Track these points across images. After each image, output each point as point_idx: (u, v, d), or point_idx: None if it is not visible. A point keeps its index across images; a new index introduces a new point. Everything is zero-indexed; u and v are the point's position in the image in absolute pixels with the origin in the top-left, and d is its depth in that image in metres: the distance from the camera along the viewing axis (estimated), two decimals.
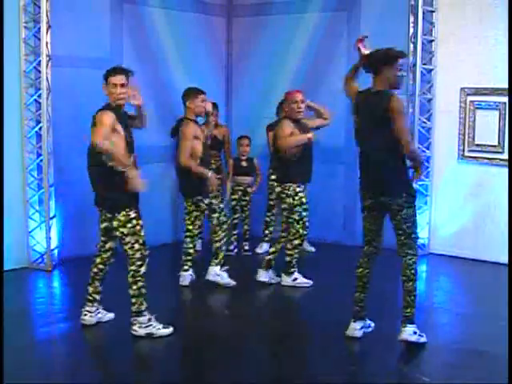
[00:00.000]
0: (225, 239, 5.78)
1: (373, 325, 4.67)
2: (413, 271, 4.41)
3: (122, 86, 4.51)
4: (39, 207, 6.27)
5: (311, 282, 5.82)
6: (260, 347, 4.67)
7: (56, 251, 6.37)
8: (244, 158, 6.90)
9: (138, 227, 4.53)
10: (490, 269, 6.48)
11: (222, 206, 5.76)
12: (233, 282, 5.79)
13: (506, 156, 6.48)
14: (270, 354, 4.55)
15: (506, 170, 6.40)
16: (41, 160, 6.19)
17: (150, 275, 5.46)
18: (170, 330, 4.64)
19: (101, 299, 4.82)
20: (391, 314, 4.92)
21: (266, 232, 7.05)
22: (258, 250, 7.02)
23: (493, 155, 6.59)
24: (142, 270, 4.56)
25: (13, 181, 6.06)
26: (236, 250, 6.98)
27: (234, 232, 7.01)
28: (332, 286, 5.90)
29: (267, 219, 7.03)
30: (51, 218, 6.26)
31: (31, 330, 4.84)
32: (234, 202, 6.99)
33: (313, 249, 7.00)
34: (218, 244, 5.76)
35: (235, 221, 7.01)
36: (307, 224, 5.72)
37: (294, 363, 4.25)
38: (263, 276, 5.90)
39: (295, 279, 5.83)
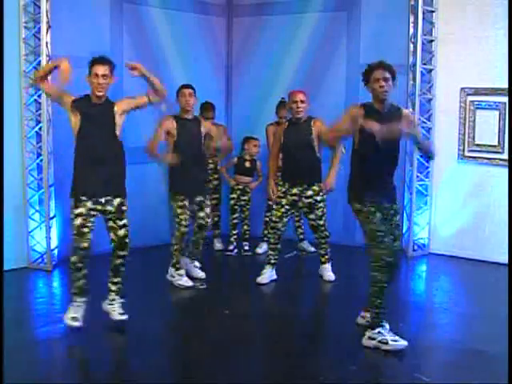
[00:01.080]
0: (177, 245, 5.76)
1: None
2: (371, 275, 4.40)
3: (104, 76, 4.50)
4: (39, 207, 6.28)
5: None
6: (260, 347, 4.67)
7: (56, 251, 6.38)
8: (249, 158, 6.90)
9: (72, 215, 4.57)
10: (490, 269, 6.48)
11: (183, 212, 5.71)
12: (187, 284, 5.75)
13: (505, 156, 6.48)
14: (270, 354, 4.54)
15: (506, 170, 6.40)
16: (41, 160, 6.19)
17: (148, 275, 5.50)
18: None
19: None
20: (391, 314, 4.91)
21: (266, 232, 7.05)
22: (259, 250, 7.02)
23: (493, 155, 6.59)
24: (72, 259, 4.60)
25: (13, 181, 6.07)
26: (236, 250, 6.98)
27: (234, 232, 7.01)
28: (332, 286, 5.90)
29: (267, 219, 7.03)
30: (51, 218, 6.26)
31: (31, 329, 4.83)
32: (232, 202, 6.98)
33: (313, 249, 6.99)
34: (171, 248, 5.82)
35: (234, 221, 7.00)
36: (272, 224, 5.90)
37: (294, 363, 4.24)
38: None
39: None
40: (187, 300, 5.65)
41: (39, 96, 6.10)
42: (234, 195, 6.96)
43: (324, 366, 4.27)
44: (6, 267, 5.86)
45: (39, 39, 6.02)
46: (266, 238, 7.03)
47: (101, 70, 4.49)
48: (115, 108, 4.63)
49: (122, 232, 4.70)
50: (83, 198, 4.56)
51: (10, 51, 5.91)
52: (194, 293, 5.70)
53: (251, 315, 5.20)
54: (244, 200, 6.97)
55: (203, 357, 4.39)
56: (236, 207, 6.99)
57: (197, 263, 6.07)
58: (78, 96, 4.62)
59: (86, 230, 4.56)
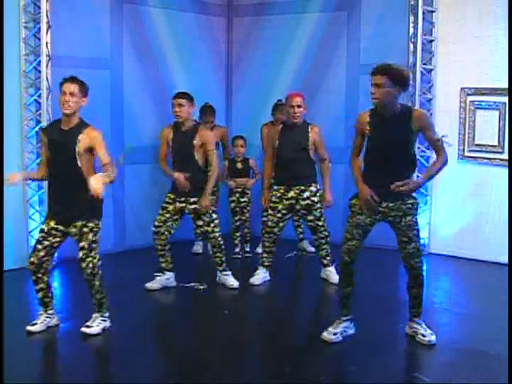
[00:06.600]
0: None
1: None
2: None
3: (71, 94, 4.41)
4: (39, 207, 6.28)
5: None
6: (260, 347, 4.67)
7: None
8: (239, 159, 6.86)
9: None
10: (490, 269, 6.48)
11: (161, 213, 5.71)
12: (150, 287, 5.67)
13: (506, 156, 6.48)
14: (270, 354, 4.54)
15: (506, 170, 6.39)
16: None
17: (149, 275, 5.46)
18: None
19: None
20: (391, 314, 4.92)
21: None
22: (259, 250, 7.01)
23: (493, 155, 6.59)
24: None
25: None
26: (241, 252, 6.97)
27: (237, 234, 6.98)
28: (332, 286, 5.90)
29: (264, 219, 7.00)
30: None
31: None
32: (232, 205, 6.95)
33: (313, 249, 6.99)
34: None
35: (237, 223, 6.97)
36: (267, 229, 5.92)
37: (294, 363, 4.24)
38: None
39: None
40: (187, 300, 5.65)
41: (39, 96, 6.11)
42: (234, 198, 6.92)
43: (324, 366, 4.27)
44: (6, 267, 5.86)
45: (39, 39, 6.03)
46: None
47: (67, 87, 4.42)
48: (79, 137, 4.42)
49: (80, 254, 4.55)
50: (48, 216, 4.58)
51: (10, 51, 5.91)
52: (194, 293, 5.70)
53: (251, 315, 5.20)
54: (244, 202, 6.93)
55: (203, 357, 4.39)
56: (237, 209, 6.96)
57: (227, 272, 5.86)
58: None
59: (39, 246, 4.54)
